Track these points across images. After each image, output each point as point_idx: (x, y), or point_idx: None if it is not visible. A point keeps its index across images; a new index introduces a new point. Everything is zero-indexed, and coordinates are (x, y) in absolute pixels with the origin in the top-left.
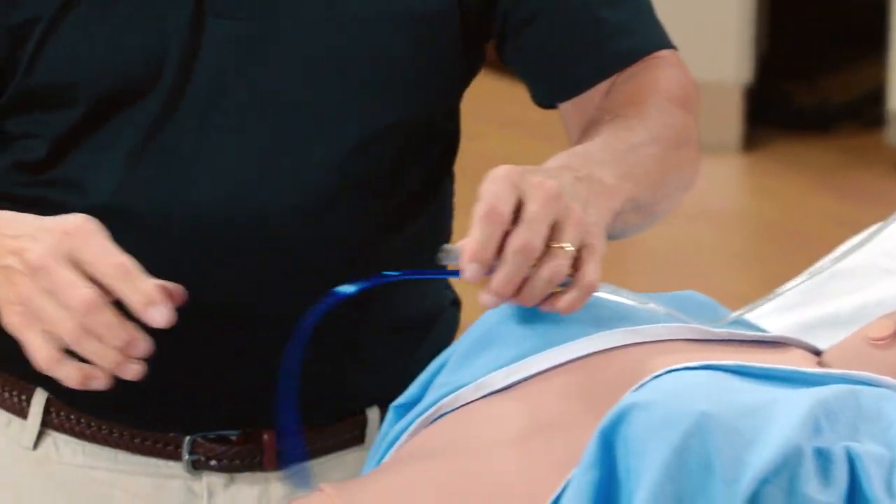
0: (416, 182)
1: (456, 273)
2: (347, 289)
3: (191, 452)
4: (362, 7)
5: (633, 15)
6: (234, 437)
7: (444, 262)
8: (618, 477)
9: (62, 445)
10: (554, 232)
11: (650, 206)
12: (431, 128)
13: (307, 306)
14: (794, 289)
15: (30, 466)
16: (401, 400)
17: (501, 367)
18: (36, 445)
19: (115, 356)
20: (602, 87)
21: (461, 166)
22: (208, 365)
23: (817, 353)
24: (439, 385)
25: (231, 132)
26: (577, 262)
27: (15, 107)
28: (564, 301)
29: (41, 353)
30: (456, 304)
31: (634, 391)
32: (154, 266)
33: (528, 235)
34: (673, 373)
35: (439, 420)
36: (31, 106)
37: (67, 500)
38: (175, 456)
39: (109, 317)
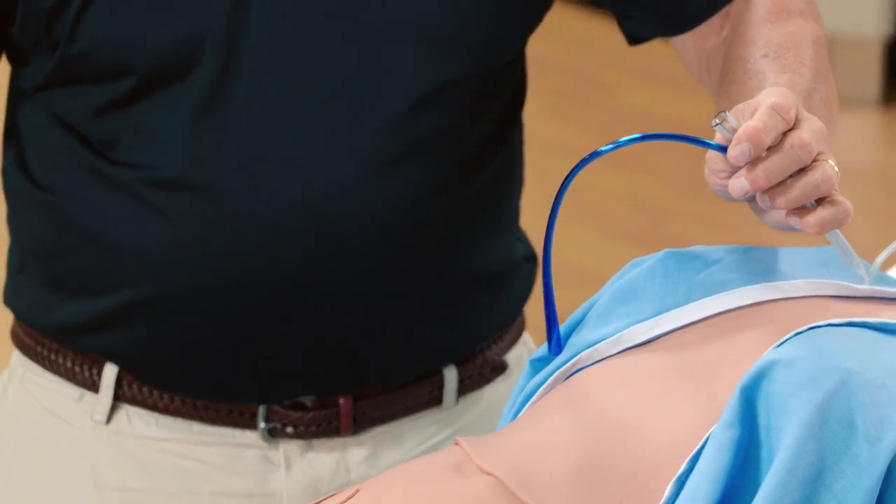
0: (482, 136)
1: (719, 147)
2: (606, 147)
3: (266, 420)
4: None
5: None
6: (309, 403)
7: (715, 127)
8: (758, 434)
9: (135, 418)
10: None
11: None
12: (492, 80)
13: (374, 268)
14: None
15: (103, 441)
16: (538, 354)
17: (641, 321)
18: (109, 419)
19: None
20: (722, 11)
21: (601, 118)
22: (279, 333)
23: None
24: (577, 339)
25: (288, 100)
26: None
27: (64, 78)
28: (817, 216)
29: None
30: (530, 259)
31: (776, 348)
32: (225, 238)
33: (811, 138)
34: (816, 329)
35: (577, 374)
36: (80, 77)
37: (142, 473)
38: (251, 425)
39: None
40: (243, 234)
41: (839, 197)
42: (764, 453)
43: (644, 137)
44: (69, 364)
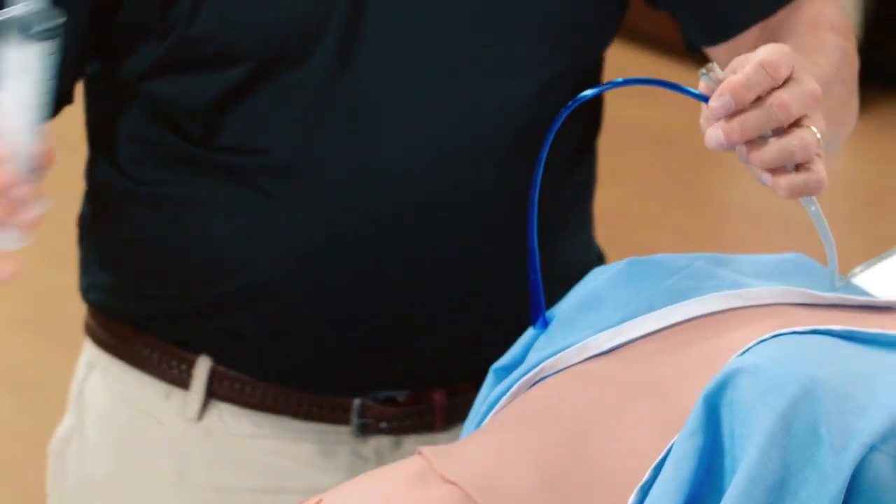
0: (579, 135)
1: (702, 97)
2: (587, 93)
3: (360, 415)
4: None
5: None
6: (401, 399)
7: (702, 78)
8: (722, 443)
9: (227, 415)
10: (800, 122)
11: (826, 148)
12: (590, 78)
13: (472, 261)
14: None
15: (194, 438)
16: (501, 362)
17: (604, 330)
18: (200, 417)
19: None
20: (761, 23)
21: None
22: (379, 323)
23: None
24: (541, 347)
25: (402, 85)
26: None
27: (174, 65)
28: (788, 180)
29: None
30: (601, 259)
31: (740, 356)
32: (332, 225)
33: (792, 99)
34: (780, 337)
35: (540, 383)
36: (193, 63)
37: (234, 470)
38: (343, 420)
39: None
40: (351, 222)
41: (817, 165)
42: (728, 461)
43: (627, 82)
44: (157, 360)
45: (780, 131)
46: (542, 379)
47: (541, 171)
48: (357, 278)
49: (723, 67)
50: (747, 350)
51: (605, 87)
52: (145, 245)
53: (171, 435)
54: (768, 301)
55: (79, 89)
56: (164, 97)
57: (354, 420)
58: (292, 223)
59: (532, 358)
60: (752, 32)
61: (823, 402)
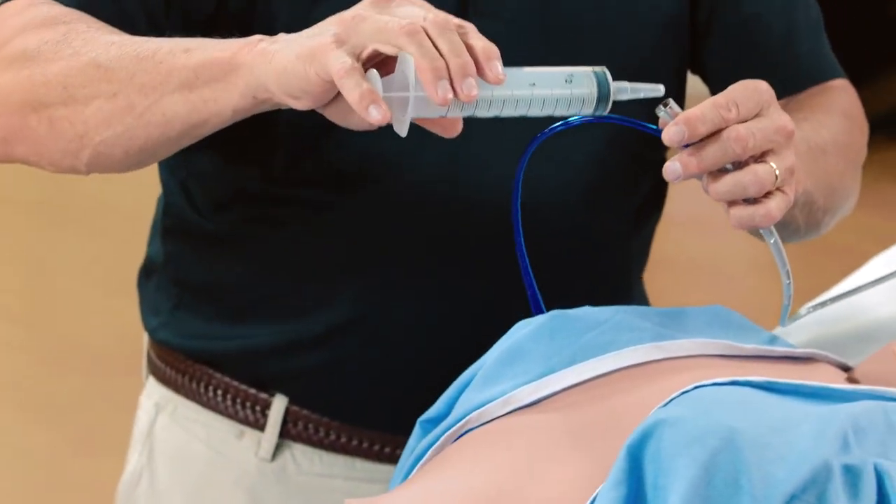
0: (649, 188)
1: (657, 131)
2: (576, 119)
3: None
4: (624, 7)
5: (815, 41)
6: None
7: (659, 113)
8: (645, 494)
9: (299, 455)
10: (765, 157)
11: (818, 210)
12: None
13: (556, 303)
14: (825, 303)
15: (269, 477)
16: (427, 415)
17: (529, 382)
18: (274, 456)
19: (452, 65)
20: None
21: None
22: (459, 364)
23: (846, 368)
24: (466, 400)
25: (498, 129)
26: (766, 194)
27: None
28: (738, 211)
29: (339, 62)
30: None
31: (662, 407)
32: (423, 260)
33: (748, 133)
34: (701, 389)
35: (466, 435)
36: None
37: None
38: None
39: (457, 38)
40: (436, 259)
41: (773, 199)
42: None
43: (584, 120)
44: (230, 400)
45: (740, 164)
46: (467, 431)
47: (521, 177)
48: (438, 317)
49: None
50: (669, 402)
51: (571, 122)
52: (224, 286)
53: (245, 474)
54: (690, 353)
55: None
56: (272, 120)
57: None
58: (374, 260)
59: (458, 411)
60: None
61: (744, 452)
